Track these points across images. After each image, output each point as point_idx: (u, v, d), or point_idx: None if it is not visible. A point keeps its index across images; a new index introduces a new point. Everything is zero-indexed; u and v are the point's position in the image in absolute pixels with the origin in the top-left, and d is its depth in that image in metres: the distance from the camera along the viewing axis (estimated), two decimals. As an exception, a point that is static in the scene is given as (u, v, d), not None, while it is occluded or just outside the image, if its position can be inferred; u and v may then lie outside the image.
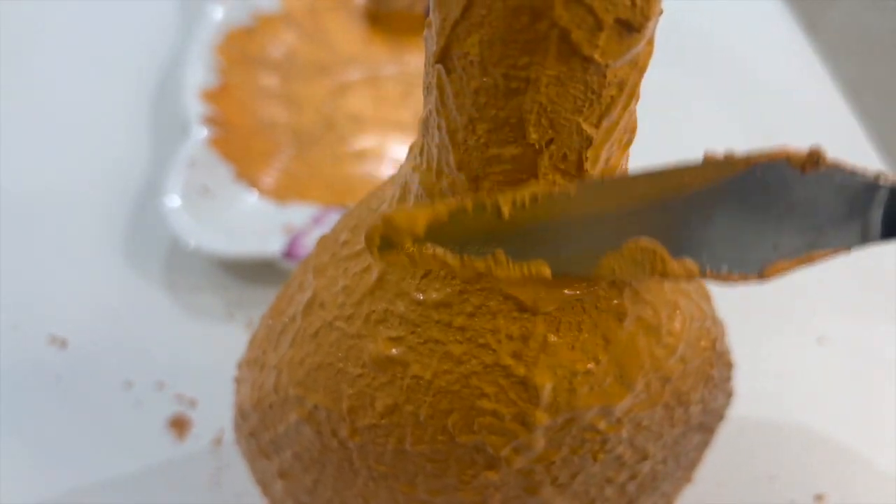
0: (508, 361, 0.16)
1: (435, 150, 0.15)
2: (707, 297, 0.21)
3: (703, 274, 0.15)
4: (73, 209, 0.40)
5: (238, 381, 0.23)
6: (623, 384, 0.17)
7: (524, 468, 0.19)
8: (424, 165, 0.16)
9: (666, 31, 0.53)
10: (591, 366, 0.17)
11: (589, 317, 0.17)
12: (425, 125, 0.15)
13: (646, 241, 0.15)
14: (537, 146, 0.14)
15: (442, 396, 0.17)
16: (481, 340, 0.16)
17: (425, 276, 0.17)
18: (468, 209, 0.14)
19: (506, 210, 0.14)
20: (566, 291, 0.16)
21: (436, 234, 0.14)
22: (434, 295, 0.16)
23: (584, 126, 0.14)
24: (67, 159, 0.42)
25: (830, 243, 0.16)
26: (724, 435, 0.33)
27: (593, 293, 0.16)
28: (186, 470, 0.31)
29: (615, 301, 0.17)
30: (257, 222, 0.37)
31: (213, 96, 0.43)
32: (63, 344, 0.35)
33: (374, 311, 0.18)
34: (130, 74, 0.47)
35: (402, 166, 0.18)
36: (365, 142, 0.43)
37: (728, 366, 0.22)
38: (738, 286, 0.16)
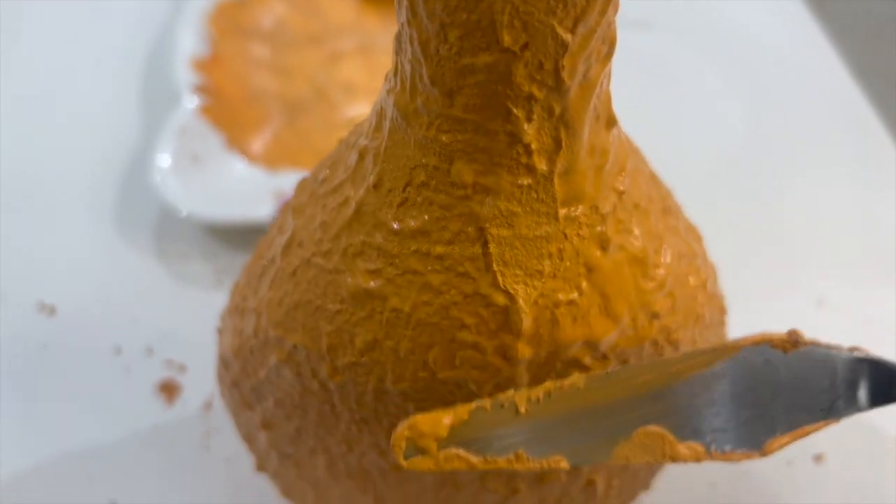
0: (488, 290, 0.16)
1: (408, 67, 0.15)
2: (698, 238, 0.21)
3: (709, 454, 0.17)
4: (63, 178, 0.40)
5: (220, 331, 0.23)
6: (608, 316, 0.17)
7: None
8: (398, 86, 0.15)
9: (671, 11, 0.52)
10: (573, 296, 0.16)
11: (570, 244, 0.16)
12: (398, 41, 0.15)
13: (654, 428, 0.16)
14: (511, 52, 0.13)
15: (422, 330, 0.17)
16: (460, 269, 0.16)
17: (402, 203, 0.16)
18: (487, 408, 0.15)
19: (522, 407, 0.15)
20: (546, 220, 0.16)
21: (458, 433, 0.15)
22: (412, 223, 0.16)
23: (559, 30, 0.13)
24: (57, 129, 0.42)
25: (821, 415, 0.18)
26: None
27: (574, 220, 0.16)
28: (176, 434, 0.31)
29: (598, 228, 0.16)
30: (247, 189, 0.37)
31: (204, 66, 0.42)
32: (52, 311, 0.34)
33: (351, 245, 0.17)
34: (122, 45, 0.47)
35: (378, 96, 0.17)
36: (357, 110, 0.42)
37: (721, 310, 0.22)
38: (741, 462, 0.17)
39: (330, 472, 0.22)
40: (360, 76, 0.44)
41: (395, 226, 0.16)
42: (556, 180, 0.15)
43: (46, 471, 0.30)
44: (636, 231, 0.17)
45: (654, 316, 0.18)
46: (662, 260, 0.18)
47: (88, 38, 0.47)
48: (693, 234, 0.21)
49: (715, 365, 0.16)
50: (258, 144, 0.39)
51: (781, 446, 0.17)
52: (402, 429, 0.15)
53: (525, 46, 0.13)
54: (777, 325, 0.35)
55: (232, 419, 0.24)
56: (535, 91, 0.14)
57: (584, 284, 0.16)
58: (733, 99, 0.47)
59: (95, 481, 0.30)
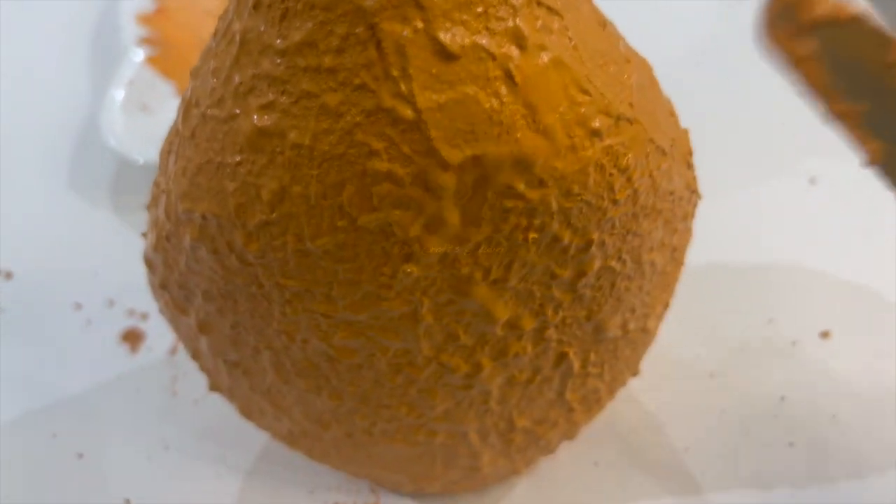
0: (391, 103, 0.14)
1: None
2: (647, 68, 0.19)
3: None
4: (13, 140, 0.38)
5: (145, 234, 0.21)
6: (537, 130, 0.15)
7: (447, 258, 0.16)
8: None
9: None
10: (492, 103, 0.14)
11: (479, 39, 0.14)
12: None
13: None
14: None
15: (329, 165, 0.15)
16: (357, 81, 0.14)
17: (284, 16, 0.14)
18: None
19: None
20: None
21: None
22: (296, 36, 0.14)
23: None
24: (5, 91, 0.41)
25: None
26: (716, 280, 0.30)
27: (479, 10, 0.14)
28: (141, 382, 0.29)
29: (509, 21, 0.14)
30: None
31: (150, 19, 0.41)
32: (8, 276, 0.33)
33: (241, 83, 0.15)
34: (67, 5, 0.45)
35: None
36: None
37: (685, 147, 0.20)
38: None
39: (278, 373, 0.20)
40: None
41: (279, 43, 0.14)
42: None
43: (8, 430, 0.28)
44: (560, 31, 0.15)
45: (595, 134, 0.16)
46: (600, 71, 0.16)
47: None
48: (640, 62, 0.19)
49: None
50: (208, 86, 0.38)
51: None
52: None
53: None
54: (772, 206, 0.33)
55: (178, 339, 0.22)
56: None
57: (503, 90, 0.14)
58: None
59: (60, 436, 0.28)
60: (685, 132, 0.20)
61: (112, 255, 0.33)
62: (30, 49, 0.43)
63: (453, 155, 0.15)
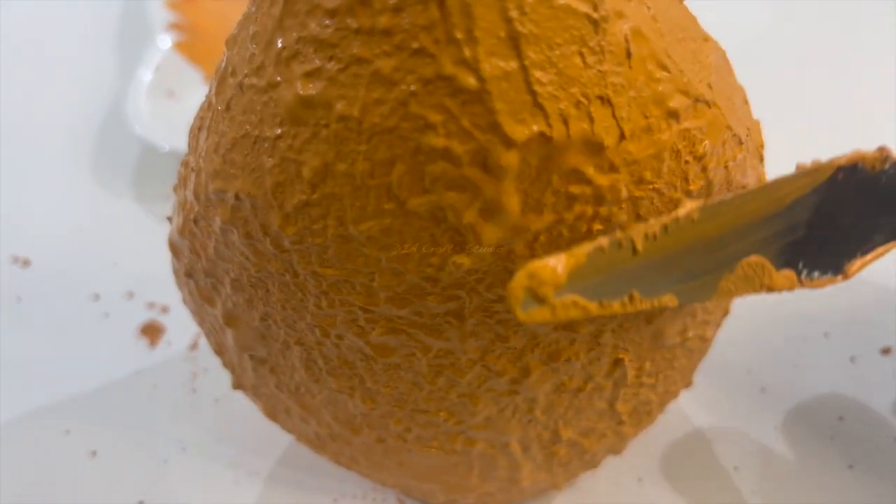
0: (453, 70, 0.13)
1: None
2: (724, 56, 0.17)
3: (800, 282, 0.16)
4: (37, 125, 0.38)
5: (170, 217, 0.19)
6: (610, 108, 0.13)
7: (502, 249, 0.15)
8: None
9: None
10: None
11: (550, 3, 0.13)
12: None
13: (756, 259, 0.15)
14: None
15: (379, 140, 0.13)
16: (415, 45, 0.13)
17: (336, -29, 0.13)
18: (605, 247, 0.14)
19: (639, 244, 0.14)
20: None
21: (574, 278, 0.13)
22: (349, -8, 0.13)
23: None
24: (31, 74, 0.40)
25: None
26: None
27: None
28: (159, 378, 0.28)
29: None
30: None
31: (179, 5, 0.40)
32: (25, 263, 0.32)
33: (284, 48, 0.14)
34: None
35: None
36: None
37: (758, 140, 0.18)
38: (823, 288, 0.17)
39: (309, 371, 0.19)
40: None
41: (329, 1, 0.13)
42: None
43: (20, 425, 0.27)
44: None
45: (672, 115, 0.14)
46: (679, 46, 0.14)
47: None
48: (715, 44, 0.17)
49: (812, 187, 0.16)
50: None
51: (862, 266, 0.17)
52: (521, 276, 0.13)
53: None
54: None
55: (197, 326, 0.21)
56: None
57: (577, 61, 0.13)
58: None
59: (74, 432, 0.27)
60: (757, 123, 0.19)
61: (133, 245, 0.32)
62: (57, 34, 0.42)
63: (518, 131, 0.13)
